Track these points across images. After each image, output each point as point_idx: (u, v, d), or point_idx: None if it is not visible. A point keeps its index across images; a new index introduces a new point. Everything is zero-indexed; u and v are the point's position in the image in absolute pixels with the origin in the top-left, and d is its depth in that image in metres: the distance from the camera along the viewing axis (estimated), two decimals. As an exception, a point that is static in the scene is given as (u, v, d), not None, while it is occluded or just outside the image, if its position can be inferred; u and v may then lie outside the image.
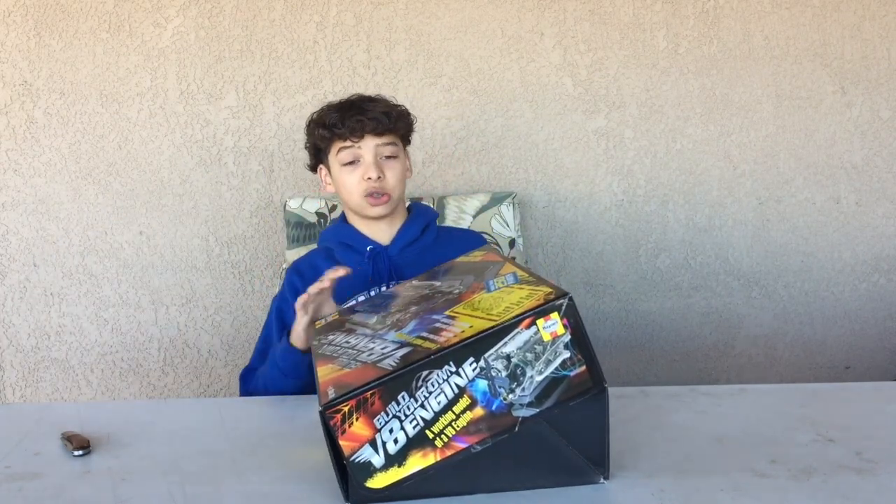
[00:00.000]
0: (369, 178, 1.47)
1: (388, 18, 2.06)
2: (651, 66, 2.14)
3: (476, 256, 1.22)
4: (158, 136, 2.02)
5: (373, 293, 1.45)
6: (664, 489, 0.95)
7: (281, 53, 2.04)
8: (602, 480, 0.96)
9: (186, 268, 2.07)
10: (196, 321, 2.08)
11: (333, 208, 1.89)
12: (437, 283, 1.16)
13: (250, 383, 1.46)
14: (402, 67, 2.07)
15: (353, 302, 1.35)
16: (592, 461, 0.95)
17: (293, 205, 1.90)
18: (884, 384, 1.43)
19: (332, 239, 1.56)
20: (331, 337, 1.10)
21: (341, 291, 1.42)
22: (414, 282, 1.22)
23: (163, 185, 2.04)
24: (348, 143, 1.49)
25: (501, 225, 1.92)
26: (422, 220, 1.57)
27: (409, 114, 1.56)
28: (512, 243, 1.90)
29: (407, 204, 1.63)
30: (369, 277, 1.49)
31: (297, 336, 1.32)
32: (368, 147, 1.48)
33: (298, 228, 1.88)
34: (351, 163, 1.49)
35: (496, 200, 1.94)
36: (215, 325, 2.09)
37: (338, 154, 1.50)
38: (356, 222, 1.55)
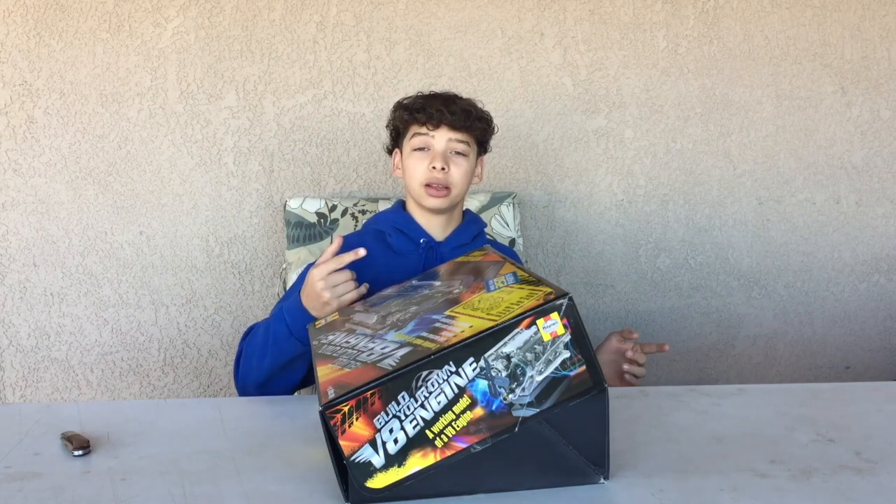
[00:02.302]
0: (434, 168, 1.49)
1: (388, 18, 2.06)
2: (651, 66, 2.14)
3: (476, 256, 1.22)
4: (158, 136, 2.02)
5: (414, 282, 1.46)
6: (664, 489, 0.95)
7: (281, 53, 2.04)
8: (602, 480, 0.97)
9: (186, 268, 2.07)
10: (196, 321, 2.08)
11: (333, 208, 1.89)
12: (437, 283, 1.16)
13: (249, 337, 1.43)
14: (402, 67, 2.07)
15: (390, 288, 1.33)
16: (592, 461, 0.95)
17: (293, 205, 1.90)
18: (884, 384, 1.43)
19: (387, 223, 1.57)
20: (331, 337, 1.10)
21: (391, 277, 1.45)
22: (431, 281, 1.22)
23: (163, 185, 2.04)
24: (423, 130, 1.52)
25: (501, 225, 1.92)
26: (475, 227, 1.60)
27: (490, 121, 1.58)
28: (512, 243, 1.90)
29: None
30: (421, 268, 1.52)
31: (309, 297, 1.32)
32: (441, 138, 1.51)
33: (298, 228, 1.88)
34: (422, 149, 1.52)
35: (496, 200, 1.94)
36: (215, 325, 2.09)
37: (412, 138, 1.54)
38: (414, 212, 1.57)
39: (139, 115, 2.01)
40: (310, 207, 1.89)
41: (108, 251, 2.04)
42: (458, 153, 1.52)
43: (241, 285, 2.08)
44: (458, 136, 1.51)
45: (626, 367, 1.50)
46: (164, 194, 2.04)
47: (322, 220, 1.88)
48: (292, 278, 1.83)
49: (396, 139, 1.60)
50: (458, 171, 1.51)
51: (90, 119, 2.00)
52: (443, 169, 1.49)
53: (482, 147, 1.59)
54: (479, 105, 1.57)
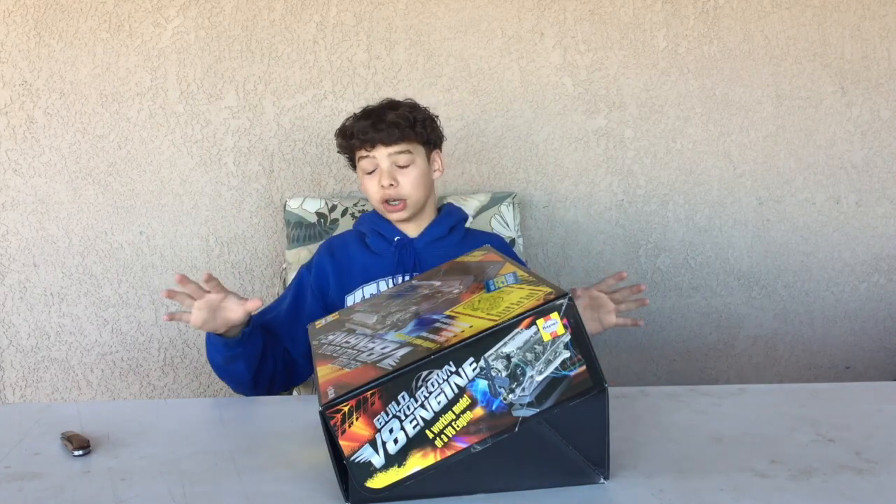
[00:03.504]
0: (383, 186, 1.53)
1: (388, 18, 2.06)
2: (651, 66, 2.14)
3: (476, 256, 1.22)
4: (158, 136, 2.02)
5: (399, 280, 1.50)
6: (664, 489, 0.95)
7: (281, 53, 2.04)
8: (602, 480, 0.97)
9: (186, 268, 2.07)
10: (196, 321, 2.08)
11: (333, 208, 1.89)
12: (437, 283, 1.16)
13: None
14: (402, 67, 2.07)
15: (395, 288, 1.35)
16: (592, 461, 0.95)
17: (293, 205, 1.90)
18: (884, 384, 1.43)
19: (367, 225, 1.62)
20: (331, 337, 1.10)
21: (368, 274, 1.52)
22: (415, 280, 1.22)
23: (163, 185, 2.04)
24: (364, 153, 1.55)
25: (501, 225, 1.92)
26: (450, 219, 1.62)
27: (427, 119, 1.58)
28: (512, 243, 1.90)
29: (440, 204, 1.69)
30: (395, 264, 1.56)
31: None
32: (382, 156, 1.54)
33: (298, 228, 1.88)
34: (370, 171, 1.56)
35: (496, 200, 1.94)
36: (215, 325, 2.09)
37: (359, 162, 1.58)
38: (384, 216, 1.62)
39: (139, 115, 2.01)
40: (310, 207, 1.89)
41: (108, 251, 2.04)
42: (402, 165, 1.54)
43: (241, 285, 2.08)
44: (396, 148, 1.53)
45: (622, 307, 1.41)
46: (164, 194, 2.04)
47: (322, 220, 1.89)
48: (292, 278, 1.83)
49: (351, 159, 1.63)
50: (407, 181, 1.53)
51: (90, 119, 2.00)
52: (391, 185, 1.52)
53: (430, 144, 1.60)
54: (414, 105, 1.57)
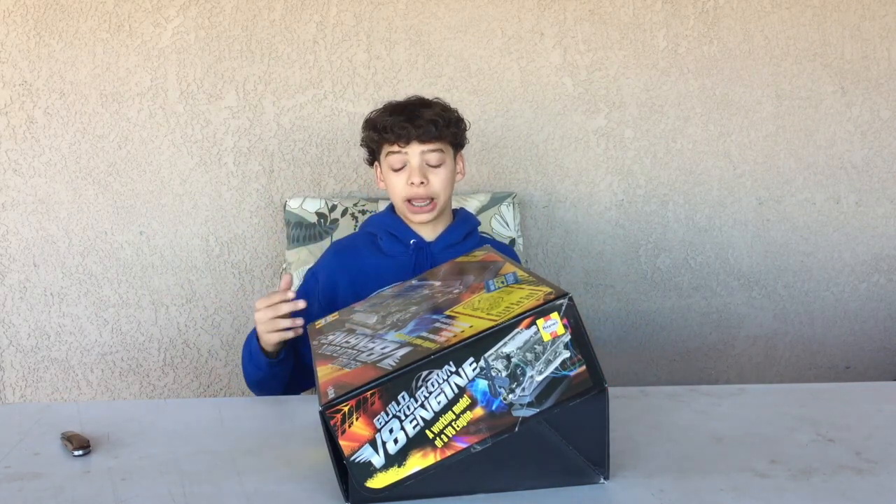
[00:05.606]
0: (412, 183, 1.50)
1: (388, 18, 2.06)
2: (651, 66, 2.14)
3: (476, 256, 1.22)
4: (158, 136, 2.02)
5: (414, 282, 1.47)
6: (664, 489, 0.95)
7: (281, 53, 2.04)
8: (602, 480, 0.97)
9: (186, 268, 2.07)
10: (196, 321, 2.08)
11: (333, 208, 1.89)
12: (437, 283, 1.16)
13: (244, 344, 1.48)
14: (402, 67, 2.07)
15: (390, 288, 1.34)
16: (592, 461, 0.95)
17: (293, 205, 1.90)
18: (884, 384, 1.43)
19: (379, 226, 1.58)
20: (331, 337, 1.10)
21: (382, 279, 1.46)
22: (413, 281, 1.22)
23: (163, 185, 2.04)
24: (395, 148, 1.52)
25: (501, 225, 1.92)
26: (466, 226, 1.60)
27: (460, 120, 1.57)
28: (512, 243, 1.90)
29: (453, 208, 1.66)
30: (412, 268, 1.53)
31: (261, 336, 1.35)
32: (414, 153, 1.51)
33: (298, 228, 1.88)
34: (398, 168, 1.52)
35: (496, 200, 1.94)
36: (215, 325, 2.09)
37: (387, 157, 1.54)
38: (404, 216, 1.59)
39: (139, 115, 2.01)
40: (310, 207, 1.89)
41: (108, 251, 2.04)
42: (433, 164, 1.51)
43: (241, 285, 2.08)
44: (431, 146, 1.51)
45: None
46: (164, 194, 2.04)
47: (322, 220, 1.89)
48: (298, 284, 1.83)
49: (373, 153, 1.60)
50: (437, 180, 1.51)
51: (90, 119, 2.00)
52: (422, 183, 1.49)
53: (458, 146, 1.58)
54: (446, 105, 1.56)
